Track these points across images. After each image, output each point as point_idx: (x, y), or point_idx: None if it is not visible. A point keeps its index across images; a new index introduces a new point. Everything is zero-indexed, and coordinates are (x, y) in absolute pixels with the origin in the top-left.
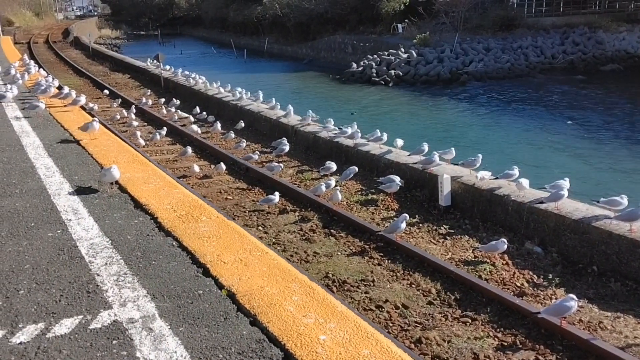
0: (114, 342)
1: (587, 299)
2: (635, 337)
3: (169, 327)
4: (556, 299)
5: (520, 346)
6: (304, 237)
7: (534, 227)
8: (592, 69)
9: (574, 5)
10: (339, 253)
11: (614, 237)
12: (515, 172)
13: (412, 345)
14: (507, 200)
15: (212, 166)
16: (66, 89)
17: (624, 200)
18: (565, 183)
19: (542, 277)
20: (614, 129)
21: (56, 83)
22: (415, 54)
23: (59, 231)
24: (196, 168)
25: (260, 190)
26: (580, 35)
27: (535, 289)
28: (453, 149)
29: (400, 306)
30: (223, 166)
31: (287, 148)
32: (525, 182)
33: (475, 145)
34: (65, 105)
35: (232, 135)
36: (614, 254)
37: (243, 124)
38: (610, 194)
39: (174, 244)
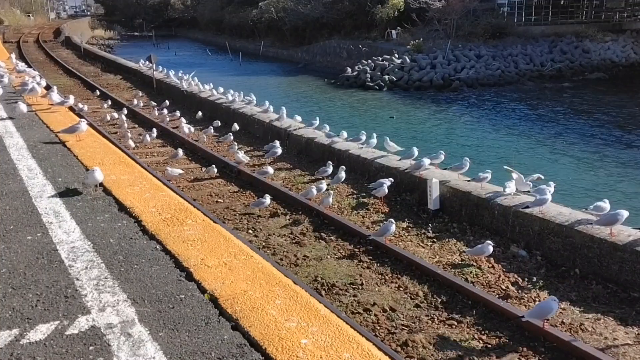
0: (91, 348)
1: (569, 301)
2: (614, 338)
3: (148, 332)
4: (540, 301)
5: (505, 348)
6: (294, 241)
7: (520, 230)
8: (579, 77)
9: (562, 15)
10: (329, 256)
11: (595, 241)
12: (488, 175)
13: (399, 348)
14: (494, 204)
15: (204, 169)
16: (56, 95)
17: (607, 205)
18: (550, 188)
19: (526, 279)
20: (599, 135)
21: (43, 83)
22: (408, 60)
23: (39, 234)
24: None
25: (252, 193)
26: (567, 44)
27: (520, 291)
28: (442, 153)
29: (388, 309)
30: (214, 169)
31: (279, 151)
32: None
33: (465, 150)
34: (50, 105)
35: (232, 137)
36: (595, 257)
37: (237, 127)
38: (594, 198)
39: (158, 247)
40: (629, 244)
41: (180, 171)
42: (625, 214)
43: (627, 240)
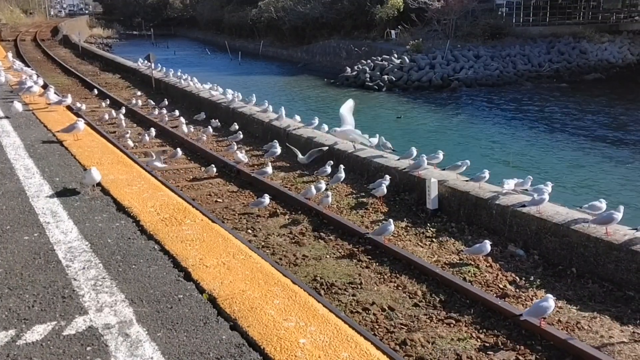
0: (88, 348)
1: (566, 299)
2: (610, 336)
3: (146, 332)
4: (537, 299)
5: (502, 347)
6: (293, 240)
7: (517, 230)
8: (576, 78)
9: (560, 15)
10: (328, 256)
11: (591, 240)
12: (486, 175)
13: (397, 347)
14: (492, 203)
15: (203, 168)
16: (53, 94)
17: (603, 204)
18: (547, 187)
19: (524, 278)
20: (596, 135)
21: (41, 82)
22: (407, 60)
23: (35, 234)
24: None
25: (251, 193)
26: (565, 45)
27: (517, 290)
28: (441, 153)
29: (387, 308)
30: (214, 168)
31: (278, 151)
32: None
33: (463, 150)
34: (48, 104)
35: (240, 136)
36: (591, 256)
37: (237, 127)
38: (591, 197)
39: (156, 247)
40: (625, 243)
41: (164, 165)
42: (620, 213)
43: (622, 240)
